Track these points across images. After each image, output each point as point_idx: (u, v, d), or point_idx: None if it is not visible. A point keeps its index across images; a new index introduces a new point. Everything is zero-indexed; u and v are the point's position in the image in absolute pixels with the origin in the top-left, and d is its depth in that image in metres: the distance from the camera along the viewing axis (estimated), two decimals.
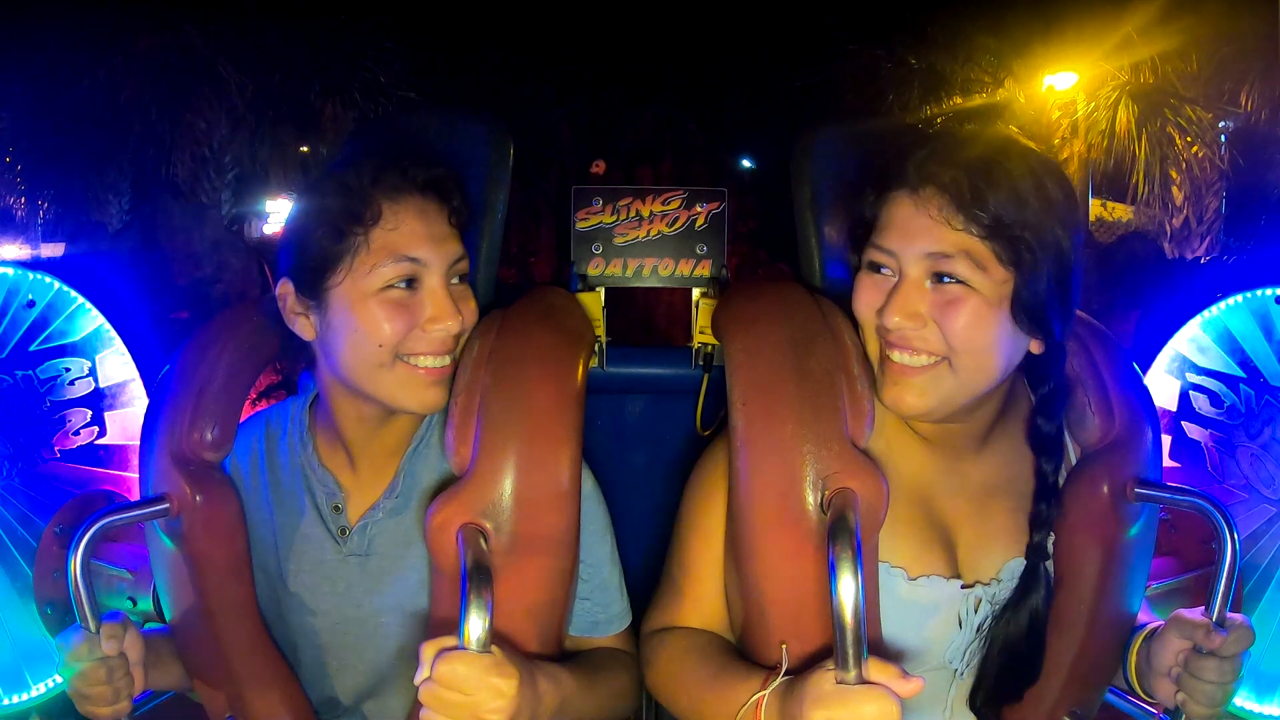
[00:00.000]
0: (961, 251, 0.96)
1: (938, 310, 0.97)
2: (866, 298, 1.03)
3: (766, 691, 0.94)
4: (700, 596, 1.13)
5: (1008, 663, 1.04)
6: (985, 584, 1.05)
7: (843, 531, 0.88)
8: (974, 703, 1.08)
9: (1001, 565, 1.06)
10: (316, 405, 1.19)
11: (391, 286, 1.04)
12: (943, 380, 0.99)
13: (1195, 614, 1.00)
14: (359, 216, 1.04)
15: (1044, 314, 0.98)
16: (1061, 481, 1.08)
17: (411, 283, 1.05)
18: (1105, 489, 1.05)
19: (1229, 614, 0.98)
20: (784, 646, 0.97)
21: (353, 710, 1.18)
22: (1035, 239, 0.96)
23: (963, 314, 0.97)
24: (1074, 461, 1.10)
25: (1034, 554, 1.04)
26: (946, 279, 0.97)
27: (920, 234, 0.97)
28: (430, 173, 1.09)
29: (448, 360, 1.08)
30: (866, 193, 1.04)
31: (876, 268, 1.02)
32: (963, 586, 1.05)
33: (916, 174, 0.99)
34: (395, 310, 1.04)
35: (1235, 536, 0.98)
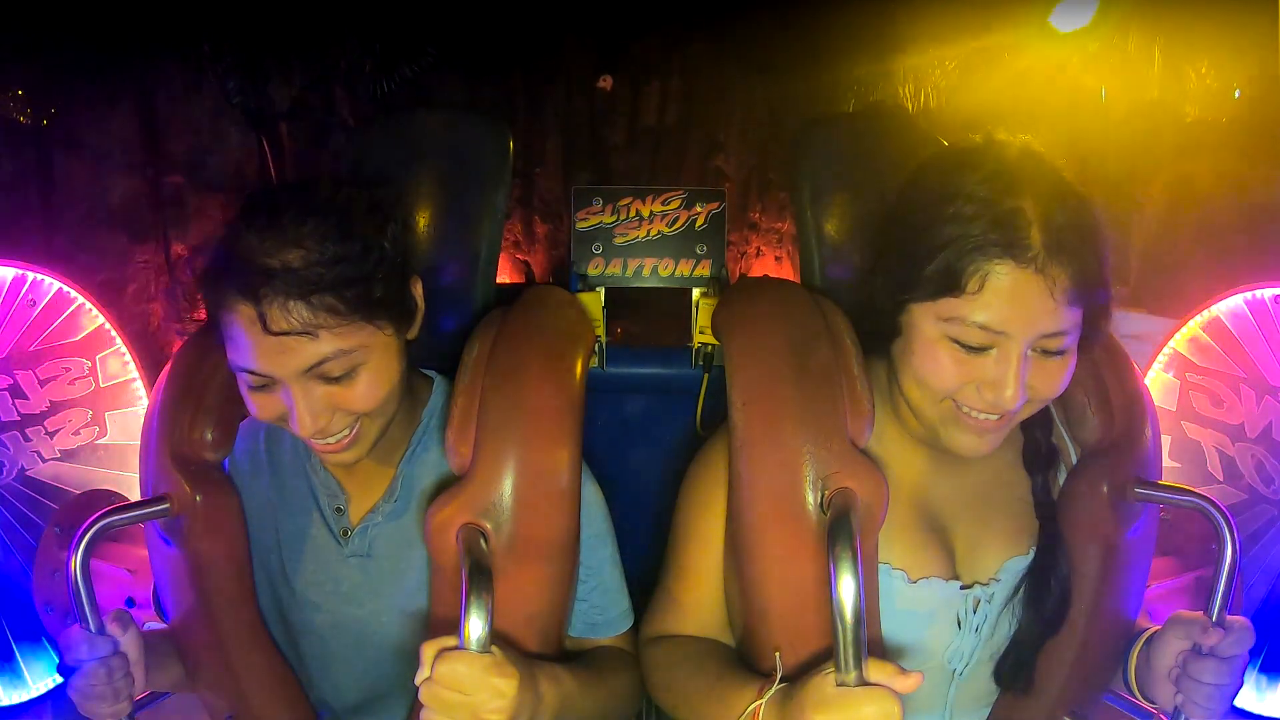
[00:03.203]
0: (1074, 325, 0.93)
1: (1041, 377, 0.95)
2: (957, 374, 0.94)
3: (762, 701, 0.94)
4: (698, 601, 1.13)
5: (1046, 621, 1.04)
6: (984, 584, 1.06)
7: (843, 531, 0.87)
8: (1000, 671, 1.07)
9: (1000, 565, 1.06)
10: None
11: (247, 385, 1.00)
12: (1015, 423, 1.00)
13: (1195, 615, 1.00)
14: (209, 316, 1.00)
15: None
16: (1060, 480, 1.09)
17: (266, 384, 0.98)
18: (1105, 489, 1.05)
19: (1229, 615, 0.98)
20: (778, 654, 0.97)
21: (353, 710, 1.18)
22: (1109, 290, 0.96)
23: (1061, 377, 0.95)
24: (1074, 461, 1.11)
25: (1043, 512, 1.05)
26: (1053, 351, 0.93)
27: (1044, 317, 0.90)
28: (248, 280, 0.92)
29: (335, 438, 1.02)
30: (947, 246, 0.91)
31: (973, 348, 0.93)
32: (962, 588, 1.05)
33: (1037, 247, 0.88)
34: (256, 400, 1.00)
35: (1235, 536, 0.98)
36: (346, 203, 1.00)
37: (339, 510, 1.14)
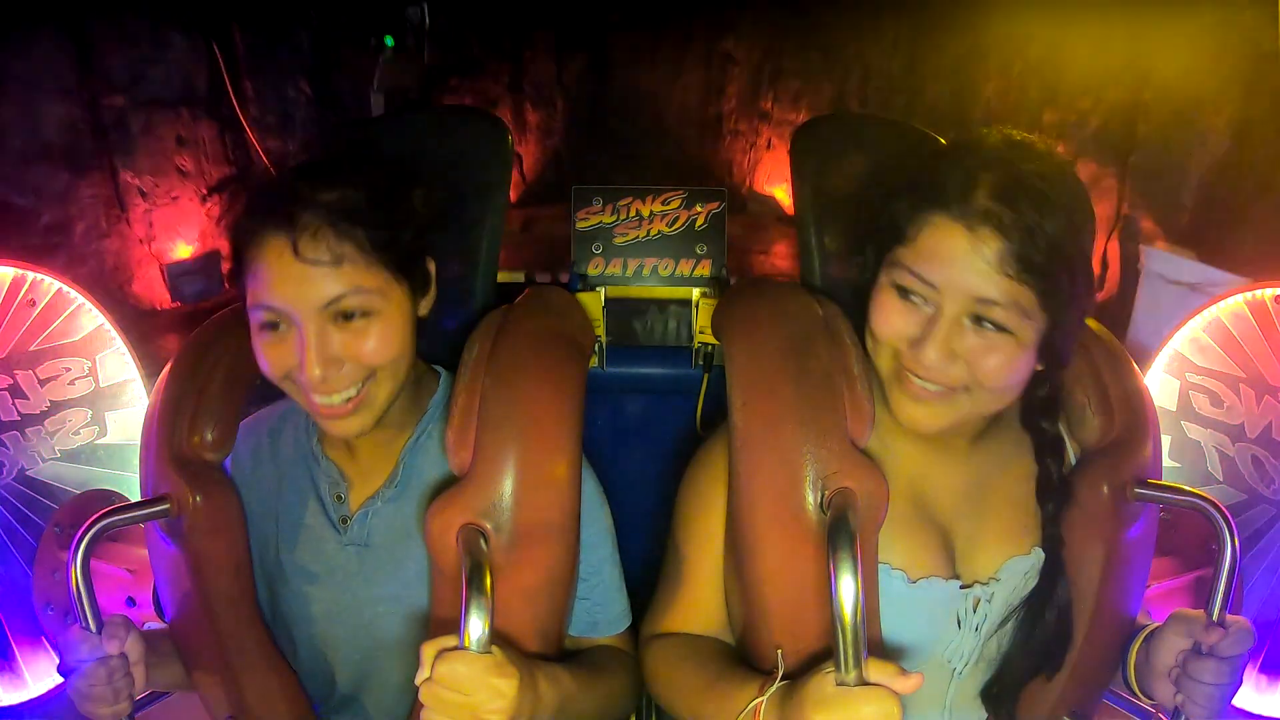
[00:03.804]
0: (1013, 301, 0.91)
1: (973, 352, 0.95)
2: (895, 322, 0.97)
3: (764, 698, 0.94)
4: (699, 599, 1.13)
5: (1036, 653, 1.04)
6: (984, 584, 1.06)
7: (843, 532, 0.87)
8: (989, 693, 1.08)
9: (1000, 565, 1.06)
10: None
11: (263, 328, 1.01)
12: (959, 405, 0.98)
13: (1196, 613, 1.00)
14: (234, 266, 1.03)
15: (1067, 349, 0.99)
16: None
17: (281, 325, 1.00)
18: (1105, 489, 1.05)
19: (1229, 615, 0.98)
20: (779, 651, 0.97)
21: (350, 700, 1.19)
22: (1078, 280, 0.94)
23: (997, 357, 0.94)
24: (1073, 461, 1.11)
25: (1051, 543, 1.05)
26: (989, 325, 0.93)
27: (972, 275, 0.91)
28: (286, 208, 0.98)
29: (341, 397, 1.02)
30: (901, 197, 0.97)
31: (907, 293, 0.96)
32: (961, 587, 1.05)
33: (974, 208, 0.91)
34: (268, 350, 1.01)
35: (1235, 536, 0.98)
36: (377, 165, 1.07)
37: (339, 498, 1.15)
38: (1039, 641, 1.04)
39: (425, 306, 1.11)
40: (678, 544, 1.15)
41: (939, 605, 1.04)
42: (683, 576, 1.14)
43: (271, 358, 1.01)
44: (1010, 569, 1.06)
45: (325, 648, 1.16)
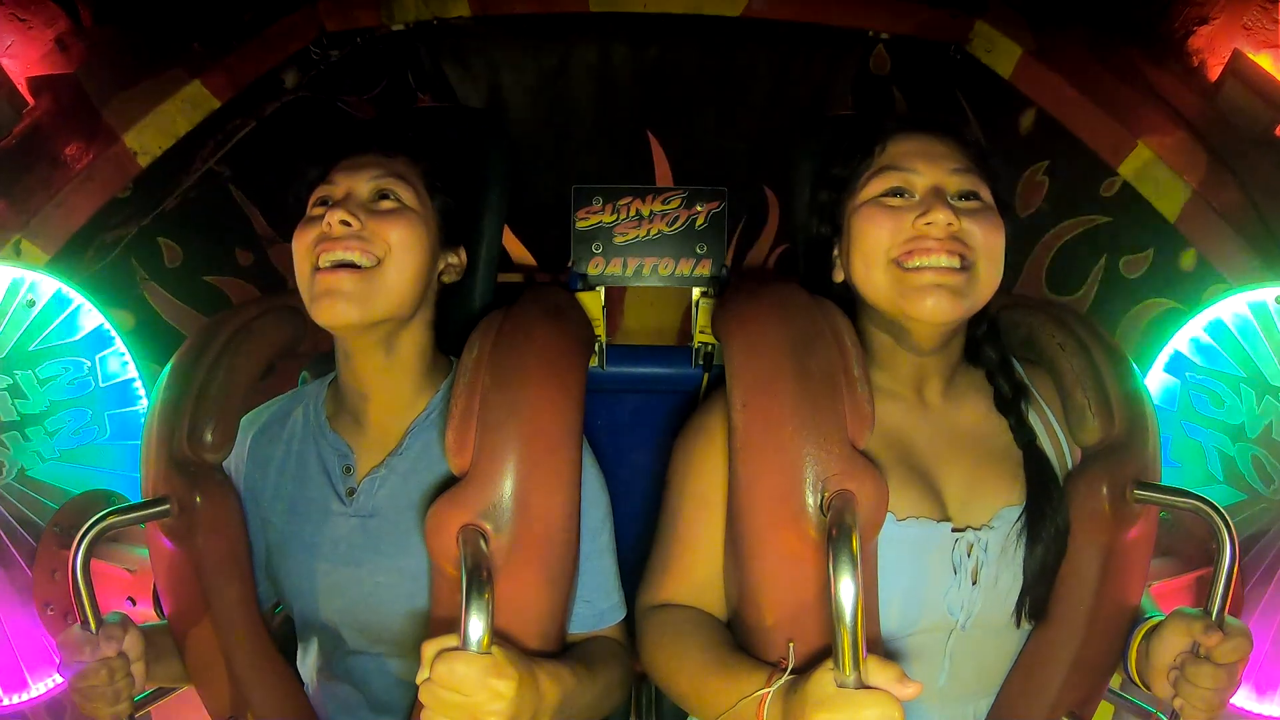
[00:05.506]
0: (973, 169, 1.10)
1: (968, 221, 1.05)
2: (888, 221, 1.07)
3: (771, 689, 0.94)
4: (695, 566, 1.13)
5: (1045, 557, 1.06)
6: (976, 529, 1.06)
7: (842, 533, 0.87)
8: (1019, 614, 1.07)
9: (994, 512, 1.07)
10: (335, 380, 1.23)
11: (313, 206, 1.14)
12: (971, 285, 1.05)
13: (1197, 611, 1.00)
14: (313, 186, 1.18)
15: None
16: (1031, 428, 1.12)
17: (328, 201, 1.13)
18: (1105, 490, 1.05)
19: (1229, 619, 0.98)
20: (791, 645, 0.97)
21: (347, 675, 1.19)
22: (999, 191, 1.13)
23: (983, 221, 1.06)
24: (1069, 463, 1.11)
25: (1028, 449, 1.09)
26: (968, 198, 1.08)
27: (944, 156, 1.09)
28: (387, 134, 1.21)
29: (345, 253, 1.08)
30: (859, 155, 1.15)
31: (898, 192, 1.09)
32: (952, 530, 1.05)
33: (925, 121, 1.15)
34: (307, 225, 1.12)
35: (1235, 537, 0.98)
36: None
37: (347, 469, 1.16)
38: (1050, 539, 1.05)
39: (445, 265, 1.20)
40: (673, 509, 1.15)
41: (930, 548, 1.04)
42: (680, 541, 1.14)
43: (307, 230, 1.11)
44: (1003, 517, 1.07)
45: (326, 620, 1.16)
